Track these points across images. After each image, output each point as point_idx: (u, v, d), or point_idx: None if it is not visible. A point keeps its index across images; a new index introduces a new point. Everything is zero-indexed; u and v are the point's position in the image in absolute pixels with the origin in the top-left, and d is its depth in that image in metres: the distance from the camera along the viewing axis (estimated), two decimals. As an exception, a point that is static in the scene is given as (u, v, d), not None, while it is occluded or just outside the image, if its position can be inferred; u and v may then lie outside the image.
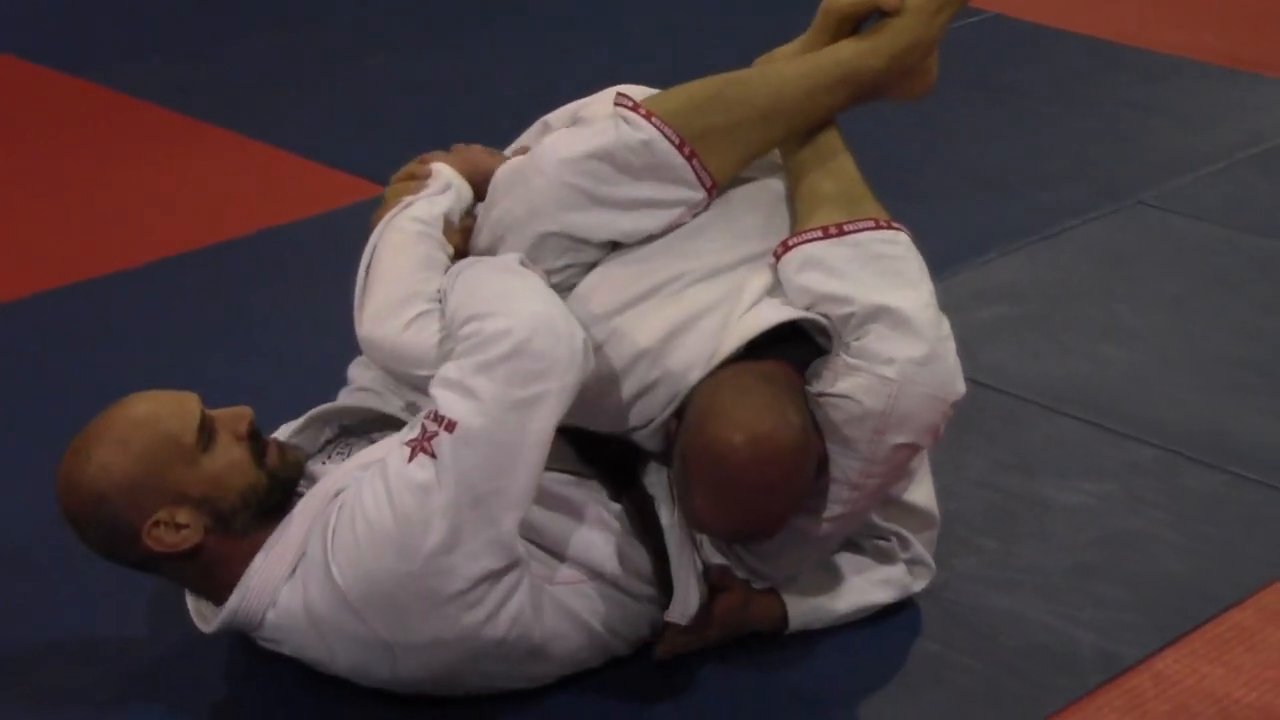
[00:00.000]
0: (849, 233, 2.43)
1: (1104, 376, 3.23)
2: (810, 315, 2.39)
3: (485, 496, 2.20)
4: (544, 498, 2.34)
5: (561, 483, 2.40)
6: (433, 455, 2.19)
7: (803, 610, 2.52)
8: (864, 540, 2.58)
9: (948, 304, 3.36)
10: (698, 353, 2.37)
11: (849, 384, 2.32)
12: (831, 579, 2.55)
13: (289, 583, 2.27)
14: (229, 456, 2.29)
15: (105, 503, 2.24)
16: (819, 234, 2.43)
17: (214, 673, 2.45)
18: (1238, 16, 5.03)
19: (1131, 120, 4.39)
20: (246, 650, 2.41)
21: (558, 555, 2.36)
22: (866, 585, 2.57)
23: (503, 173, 2.51)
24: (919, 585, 2.61)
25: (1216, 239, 3.78)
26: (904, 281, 2.41)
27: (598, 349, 2.36)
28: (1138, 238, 3.79)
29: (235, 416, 2.32)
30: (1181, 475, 2.96)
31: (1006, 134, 4.31)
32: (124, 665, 2.49)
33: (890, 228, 2.45)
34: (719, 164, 2.46)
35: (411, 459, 2.20)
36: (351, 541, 2.22)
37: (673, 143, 2.43)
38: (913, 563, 2.60)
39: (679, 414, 2.36)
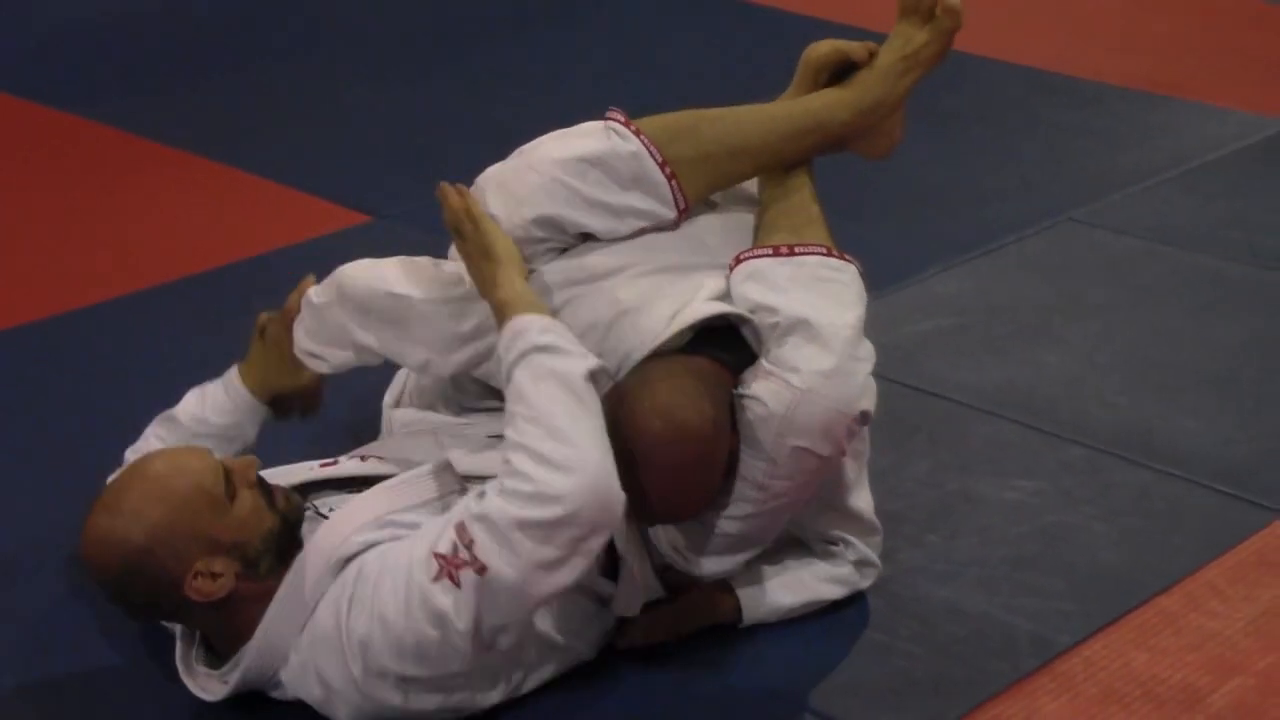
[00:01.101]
0: (798, 254, 2.43)
1: (1038, 381, 3.23)
2: (747, 316, 2.38)
3: (501, 625, 2.18)
4: None
5: None
6: (457, 585, 2.14)
7: (756, 605, 2.52)
8: (813, 544, 2.58)
9: (894, 316, 3.43)
10: (644, 334, 2.35)
11: (760, 387, 2.31)
12: (783, 576, 2.55)
13: (296, 643, 2.24)
14: (249, 503, 2.24)
15: (149, 556, 2.18)
16: (770, 251, 2.43)
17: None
18: (1159, 45, 5.05)
19: (1063, 143, 4.39)
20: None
21: None
22: (816, 582, 2.57)
23: (489, 173, 2.48)
24: (866, 583, 2.61)
25: (1141, 252, 3.78)
26: (834, 302, 2.39)
27: (555, 314, 2.34)
28: (1069, 252, 3.80)
29: (246, 465, 2.29)
30: (1110, 472, 2.97)
31: (948, 156, 4.31)
32: (120, 675, 2.49)
33: (840, 257, 2.45)
34: (687, 189, 2.47)
35: (436, 580, 2.14)
36: (367, 638, 2.18)
37: (656, 160, 2.44)
38: (860, 564, 2.60)
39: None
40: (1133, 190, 4.08)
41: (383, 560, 2.21)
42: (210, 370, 2.76)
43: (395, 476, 2.38)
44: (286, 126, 4.48)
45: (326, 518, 2.32)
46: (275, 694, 2.30)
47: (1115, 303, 3.57)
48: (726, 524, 2.38)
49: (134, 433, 2.71)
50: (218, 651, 2.32)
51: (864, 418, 2.38)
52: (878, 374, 2.41)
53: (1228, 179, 4.16)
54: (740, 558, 2.45)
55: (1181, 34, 5.12)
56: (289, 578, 2.24)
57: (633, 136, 2.45)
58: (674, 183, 2.45)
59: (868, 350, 2.40)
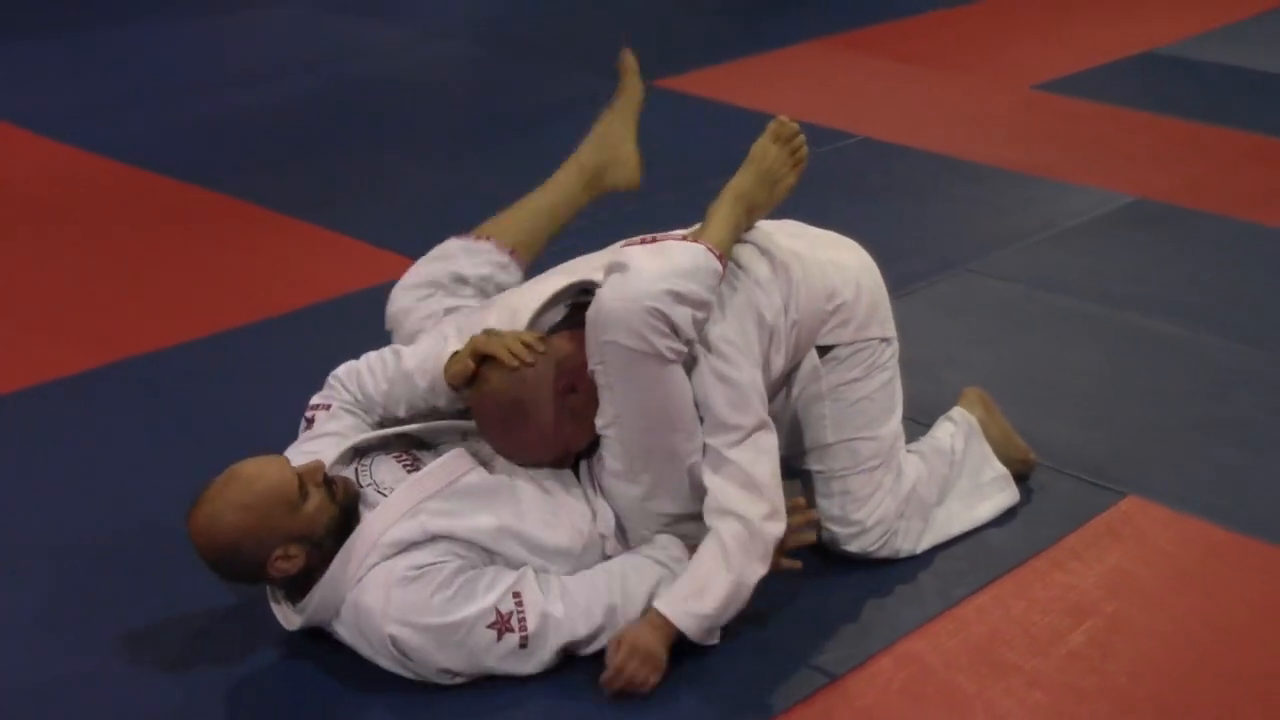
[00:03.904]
0: (659, 239, 2.42)
1: (940, 395, 3.27)
2: (585, 281, 2.44)
3: None
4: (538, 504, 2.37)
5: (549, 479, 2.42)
6: (499, 639, 2.28)
7: (682, 609, 2.35)
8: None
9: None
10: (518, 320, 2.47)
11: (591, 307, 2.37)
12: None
13: (344, 604, 2.29)
14: (316, 500, 2.29)
15: (240, 550, 2.26)
16: (640, 241, 2.43)
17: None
18: (1036, 138, 5.09)
19: (961, 211, 4.42)
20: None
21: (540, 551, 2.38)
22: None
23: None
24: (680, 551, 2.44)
25: (1021, 296, 3.82)
26: (659, 255, 2.34)
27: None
28: (966, 296, 3.83)
29: (313, 469, 2.32)
30: (996, 465, 3.00)
31: (871, 221, 4.27)
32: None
33: (695, 241, 2.40)
34: (506, 239, 2.75)
35: (490, 626, 2.26)
36: (406, 640, 2.26)
37: (469, 236, 2.73)
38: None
39: None
40: (1014, 248, 4.11)
41: (426, 582, 2.26)
42: (300, 378, 2.75)
43: (423, 469, 2.38)
44: (366, 197, 4.48)
45: (385, 496, 2.34)
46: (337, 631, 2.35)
47: (1001, 335, 3.62)
48: (609, 433, 2.36)
49: (241, 437, 2.66)
50: (291, 595, 2.37)
51: (660, 316, 2.27)
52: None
53: (1087, 240, 4.19)
54: (642, 483, 2.39)
55: (1053, 130, 5.17)
56: (340, 554, 2.29)
57: (451, 239, 2.77)
58: (489, 240, 2.70)
59: (668, 282, 2.30)
